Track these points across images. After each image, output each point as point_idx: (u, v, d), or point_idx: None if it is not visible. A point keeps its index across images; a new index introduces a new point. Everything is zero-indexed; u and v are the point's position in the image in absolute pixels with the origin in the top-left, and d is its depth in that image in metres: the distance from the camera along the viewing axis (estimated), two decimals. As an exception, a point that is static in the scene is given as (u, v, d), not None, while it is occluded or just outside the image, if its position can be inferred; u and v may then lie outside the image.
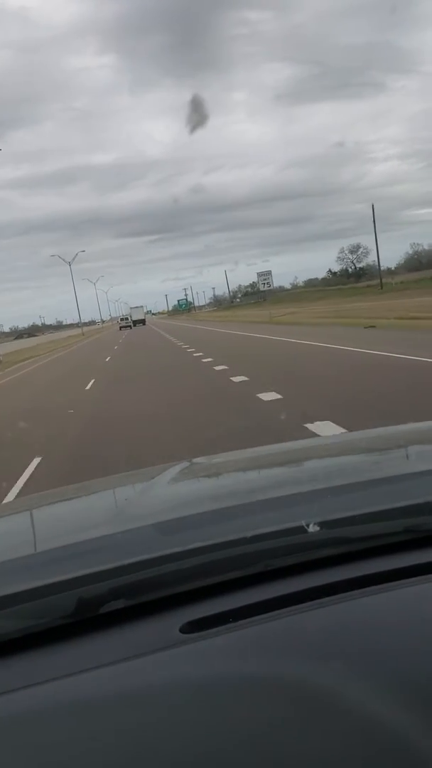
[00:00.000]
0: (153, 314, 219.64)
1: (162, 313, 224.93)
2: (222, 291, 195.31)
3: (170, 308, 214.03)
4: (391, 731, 0.62)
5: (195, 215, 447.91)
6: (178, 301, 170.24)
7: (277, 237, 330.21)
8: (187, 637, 0.83)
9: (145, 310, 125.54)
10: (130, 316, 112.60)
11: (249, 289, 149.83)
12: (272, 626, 0.82)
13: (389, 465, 1.57)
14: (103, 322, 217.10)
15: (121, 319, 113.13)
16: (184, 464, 1.80)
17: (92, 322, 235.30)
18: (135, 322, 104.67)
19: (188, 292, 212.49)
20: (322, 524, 0.97)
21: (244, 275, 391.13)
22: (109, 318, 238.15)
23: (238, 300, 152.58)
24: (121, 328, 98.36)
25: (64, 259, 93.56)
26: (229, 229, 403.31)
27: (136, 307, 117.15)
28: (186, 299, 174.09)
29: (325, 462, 1.79)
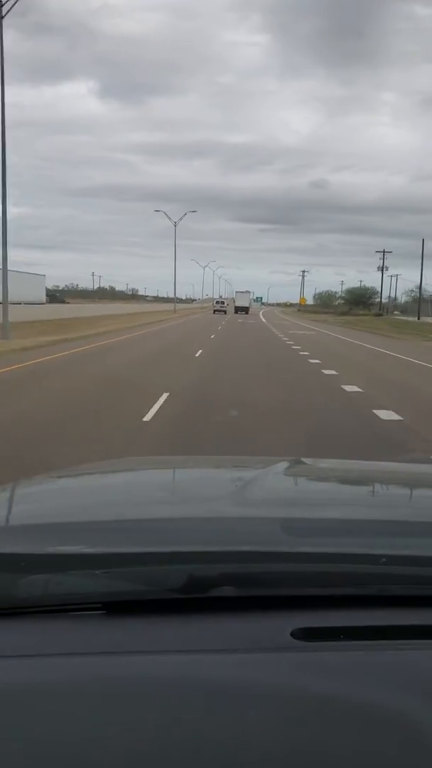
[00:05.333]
0: (263, 304, 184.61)
1: (287, 306, 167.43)
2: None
3: (314, 299, 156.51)
4: None
5: (313, 211, 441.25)
6: None
7: (395, 249, 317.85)
8: (299, 644, 0.81)
9: (252, 297, 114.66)
10: (234, 301, 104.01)
11: None
12: (387, 656, 0.80)
13: None
14: (191, 301, 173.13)
15: (216, 302, 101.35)
16: (292, 461, 1.73)
17: (187, 300, 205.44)
18: (237, 309, 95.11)
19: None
20: None
21: (351, 284, 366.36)
22: (205, 297, 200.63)
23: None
24: (215, 311, 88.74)
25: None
26: (345, 232, 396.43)
27: (243, 292, 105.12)
28: None
29: None
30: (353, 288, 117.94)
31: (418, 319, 66.40)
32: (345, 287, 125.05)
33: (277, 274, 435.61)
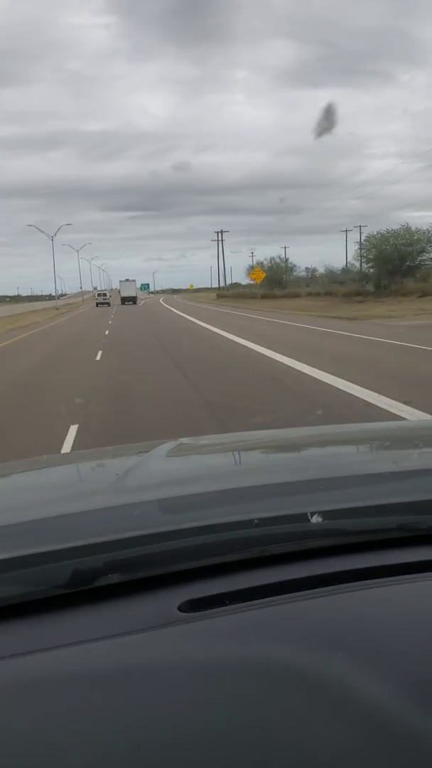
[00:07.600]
0: (150, 293, 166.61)
1: (191, 291, 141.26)
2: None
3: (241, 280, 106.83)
4: (392, 722, 0.63)
5: (181, 195, 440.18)
6: None
7: (265, 226, 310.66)
8: (186, 615, 0.83)
9: (137, 286, 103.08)
10: (119, 291, 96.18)
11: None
12: (272, 612, 0.83)
13: (390, 460, 1.56)
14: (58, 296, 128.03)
15: (98, 295, 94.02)
16: (174, 443, 1.76)
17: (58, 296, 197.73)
18: (124, 300, 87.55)
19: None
20: (324, 514, 0.98)
21: (228, 262, 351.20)
22: (77, 291, 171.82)
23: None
24: (98, 304, 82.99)
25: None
26: (214, 213, 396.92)
27: (127, 281, 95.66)
28: None
29: (324, 451, 1.78)
30: (383, 236, 52.01)
31: None
32: (363, 238, 56.59)
33: (152, 260, 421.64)
